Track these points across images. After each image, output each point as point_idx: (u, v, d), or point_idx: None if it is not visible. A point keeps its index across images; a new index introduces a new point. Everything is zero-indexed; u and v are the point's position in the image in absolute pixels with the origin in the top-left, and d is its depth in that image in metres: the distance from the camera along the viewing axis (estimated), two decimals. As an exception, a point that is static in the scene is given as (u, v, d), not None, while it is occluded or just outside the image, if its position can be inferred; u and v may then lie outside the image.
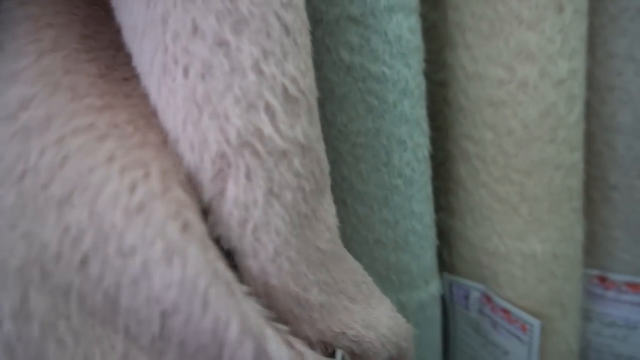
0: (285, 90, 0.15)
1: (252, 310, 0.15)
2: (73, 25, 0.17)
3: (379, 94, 0.25)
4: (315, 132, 0.16)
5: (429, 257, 0.29)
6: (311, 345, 0.17)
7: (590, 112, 0.28)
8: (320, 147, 0.16)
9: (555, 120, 0.26)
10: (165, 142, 0.15)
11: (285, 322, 0.16)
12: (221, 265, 0.14)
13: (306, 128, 0.15)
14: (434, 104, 0.29)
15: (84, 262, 0.14)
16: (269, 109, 0.14)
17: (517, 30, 0.25)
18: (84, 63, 0.17)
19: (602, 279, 0.32)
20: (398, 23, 0.25)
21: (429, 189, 0.28)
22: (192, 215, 0.14)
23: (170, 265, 0.14)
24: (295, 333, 0.16)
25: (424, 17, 0.26)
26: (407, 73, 0.25)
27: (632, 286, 0.30)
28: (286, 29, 0.15)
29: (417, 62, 0.26)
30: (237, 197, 0.14)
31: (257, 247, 0.15)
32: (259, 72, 0.14)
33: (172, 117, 0.15)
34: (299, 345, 0.16)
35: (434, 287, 0.29)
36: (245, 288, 0.15)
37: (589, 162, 0.29)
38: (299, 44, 0.15)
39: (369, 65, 0.25)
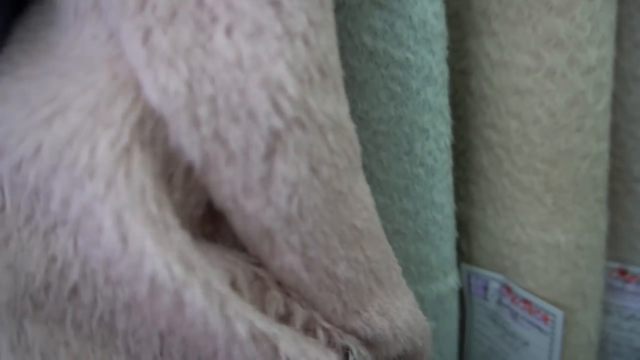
0: (320, 64, 0.14)
1: (259, 320, 0.14)
2: None
3: (402, 81, 0.25)
4: (344, 110, 0.16)
5: (449, 249, 0.29)
6: (328, 333, 0.17)
7: (615, 102, 0.28)
8: (350, 126, 0.16)
9: (583, 109, 0.25)
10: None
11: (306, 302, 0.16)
12: (215, 282, 0.13)
13: (335, 104, 0.15)
14: (455, 93, 0.29)
15: (75, 291, 0.14)
16: (312, 81, 0.13)
17: (546, 16, 0.24)
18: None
19: (622, 272, 0.32)
20: (423, 7, 0.24)
21: (450, 179, 0.28)
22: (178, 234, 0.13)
23: (154, 300, 0.13)
24: (315, 309, 0.16)
25: (446, 5, 0.26)
26: (431, 59, 0.25)
27: (654, 279, 0.30)
28: (322, 2, 0.14)
29: (441, 48, 0.25)
30: (285, 175, 0.13)
31: (300, 222, 0.14)
32: (306, 41, 0.13)
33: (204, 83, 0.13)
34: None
35: (452, 279, 0.29)
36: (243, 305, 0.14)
37: (613, 153, 0.28)
38: (328, 19, 0.15)
39: (393, 50, 0.25)
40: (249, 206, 0.13)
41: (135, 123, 0.12)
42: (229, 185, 0.13)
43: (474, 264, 0.32)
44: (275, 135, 0.13)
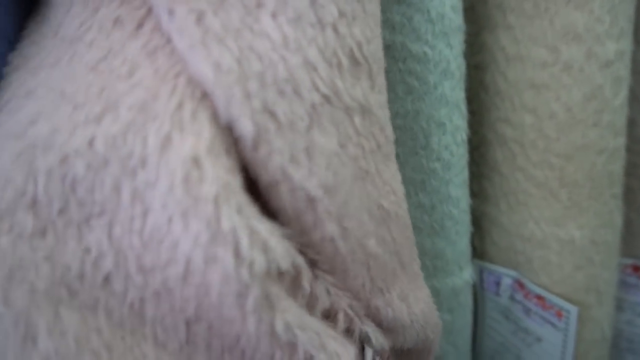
0: (351, 52, 0.15)
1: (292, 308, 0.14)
2: None
3: (420, 75, 0.25)
4: (377, 98, 0.17)
5: (464, 243, 0.28)
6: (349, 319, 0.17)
7: (632, 97, 0.27)
8: (382, 114, 0.17)
9: (601, 103, 0.25)
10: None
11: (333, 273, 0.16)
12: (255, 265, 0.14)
13: (366, 91, 0.16)
14: (469, 88, 0.29)
15: (107, 279, 0.14)
16: (341, 66, 0.15)
17: (563, 9, 0.24)
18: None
19: (636, 268, 0.31)
20: (441, 1, 0.24)
21: (466, 174, 0.27)
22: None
23: (186, 283, 0.14)
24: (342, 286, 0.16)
25: (461, -1, 0.26)
26: (449, 53, 0.25)
27: (668, 275, 0.30)
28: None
29: (458, 42, 0.25)
30: (323, 146, 0.14)
31: (336, 193, 0.15)
32: (335, 30, 0.15)
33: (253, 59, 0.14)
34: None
35: (467, 274, 0.29)
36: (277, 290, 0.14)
37: (630, 149, 0.28)
38: (367, 11, 0.16)
39: (411, 44, 0.25)
40: (296, 176, 0.14)
41: (175, 110, 0.13)
42: (279, 156, 0.14)
43: (486, 259, 0.32)
44: (314, 109, 0.14)
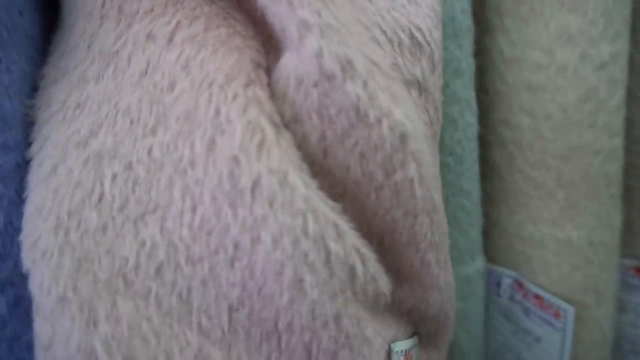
0: (412, 34, 0.18)
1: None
2: None
3: (433, 74, 0.26)
4: (435, 80, 0.19)
5: (476, 234, 0.29)
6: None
7: (631, 98, 0.27)
8: (438, 95, 0.19)
9: (595, 104, 0.25)
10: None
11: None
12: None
13: (425, 72, 0.19)
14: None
15: (159, 270, 0.16)
16: (401, 43, 0.18)
17: (558, 12, 0.25)
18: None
19: (639, 270, 0.31)
20: (452, 4, 0.25)
21: (476, 167, 0.28)
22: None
23: (233, 268, 0.16)
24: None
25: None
26: (460, 54, 0.26)
27: (670, 277, 0.30)
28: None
29: (468, 43, 0.26)
30: (403, 97, 0.16)
31: (414, 136, 0.16)
32: (393, 16, 0.18)
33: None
34: None
35: (479, 263, 0.30)
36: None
37: (629, 149, 0.28)
38: (422, 7, 0.19)
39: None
40: (396, 112, 0.16)
41: (214, 117, 0.15)
42: (381, 93, 0.16)
43: (487, 260, 0.32)
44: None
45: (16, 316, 0.18)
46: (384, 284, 0.17)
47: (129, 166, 0.16)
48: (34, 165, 0.17)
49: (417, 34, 0.18)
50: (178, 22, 0.17)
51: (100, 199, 0.16)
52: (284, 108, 0.16)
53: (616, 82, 0.25)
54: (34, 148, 0.18)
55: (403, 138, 0.16)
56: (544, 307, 0.29)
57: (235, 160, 0.15)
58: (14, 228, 0.17)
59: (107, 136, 0.17)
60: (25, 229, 0.17)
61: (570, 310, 0.27)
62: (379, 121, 0.15)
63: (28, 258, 0.16)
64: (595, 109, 0.25)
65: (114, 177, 0.16)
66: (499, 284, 0.32)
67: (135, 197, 0.16)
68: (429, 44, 0.19)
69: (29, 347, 0.18)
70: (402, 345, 0.19)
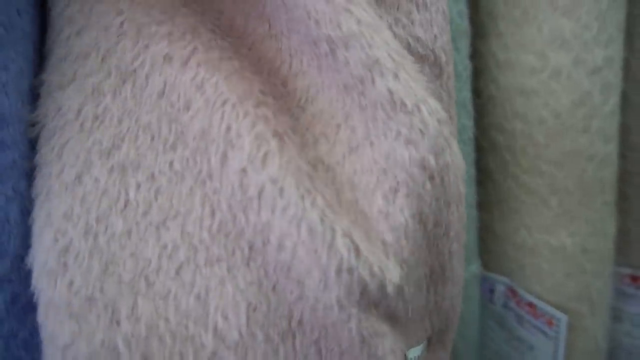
0: (409, 45, 0.19)
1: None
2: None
3: (429, 76, 0.26)
4: (442, 82, 0.20)
5: (471, 238, 0.29)
6: None
7: (626, 103, 0.27)
8: (447, 98, 0.21)
9: (589, 109, 0.25)
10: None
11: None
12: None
13: (428, 77, 0.20)
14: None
15: (178, 272, 0.17)
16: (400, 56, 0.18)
17: (551, 16, 0.24)
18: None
19: (634, 278, 0.31)
20: (449, 7, 0.25)
21: (472, 171, 0.28)
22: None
23: (249, 267, 0.17)
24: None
25: (456, 6, 0.26)
26: (456, 56, 0.26)
27: (666, 286, 0.29)
28: (417, 2, 0.19)
29: (465, 45, 0.26)
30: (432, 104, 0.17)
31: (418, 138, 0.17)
32: (392, 32, 0.19)
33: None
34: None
35: (475, 267, 0.30)
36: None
37: (624, 155, 0.28)
38: (432, 11, 0.20)
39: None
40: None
41: (226, 133, 0.17)
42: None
43: (481, 266, 0.32)
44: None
45: (13, 314, 0.18)
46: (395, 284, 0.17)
47: (151, 177, 0.18)
48: (53, 171, 0.18)
49: (416, 45, 0.19)
50: (194, 48, 0.19)
51: (125, 206, 0.18)
52: None
53: (610, 87, 0.25)
54: (49, 153, 0.18)
55: (441, 122, 0.17)
56: (537, 315, 0.28)
57: (244, 171, 0.17)
58: (10, 225, 0.18)
59: (130, 149, 0.18)
60: (49, 234, 0.18)
61: (563, 318, 0.27)
62: (417, 107, 0.17)
63: (59, 260, 0.17)
64: (589, 114, 0.25)
65: (138, 186, 0.18)
66: (492, 291, 0.32)
67: (158, 204, 0.18)
68: (432, 51, 0.20)
69: (26, 345, 0.18)
70: (416, 351, 0.19)
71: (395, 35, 0.19)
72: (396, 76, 0.16)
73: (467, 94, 0.27)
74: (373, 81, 0.17)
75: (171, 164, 0.18)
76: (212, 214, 0.17)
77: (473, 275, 0.30)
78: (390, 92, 0.16)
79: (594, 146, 0.25)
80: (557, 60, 0.25)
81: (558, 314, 0.27)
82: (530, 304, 0.29)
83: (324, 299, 0.16)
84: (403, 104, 0.16)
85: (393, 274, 0.16)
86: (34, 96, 0.20)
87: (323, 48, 0.17)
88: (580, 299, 0.28)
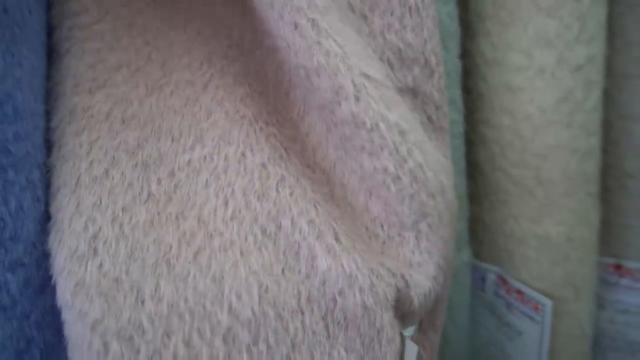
0: (400, 52, 0.21)
1: None
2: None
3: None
4: (434, 83, 0.22)
5: (462, 227, 0.31)
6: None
7: (608, 100, 0.28)
8: (437, 95, 0.22)
9: (572, 105, 0.26)
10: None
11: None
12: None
13: (419, 78, 0.22)
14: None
15: (196, 256, 0.19)
16: (390, 61, 0.21)
17: (535, 17, 0.26)
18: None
19: (617, 267, 0.32)
20: (438, 9, 0.26)
21: (462, 163, 0.29)
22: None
23: (261, 252, 0.19)
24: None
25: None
26: (445, 55, 0.27)
27: (647, 273, 0.31)
28: (410, 7, 0.21)
29: (454, 45, 0.28)
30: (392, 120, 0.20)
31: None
32: (384, 37, 0.21)
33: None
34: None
35: (465, 254, 0.31)
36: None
37: (606, 150, 0.29)
38: (422, 16, 0.21)
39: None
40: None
41: (245, 138, 0.21)
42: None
43: (472, 256, 0.33)
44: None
45: (26, 296, 0.19)
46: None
47: (171, 173, 0.21)
48: (82, 165, 0.20)
49: (407, 50, 0.22)
50: (212, 75, 0.22)
51: (148, 198, 0.20)
52: None
53: (592, 84, 0.26)
54: (77, 148, 0.21)
55: (402, 134, 0.20)
56: (524, 302, 0.30)
57: (264, 166, 0.20)
58: (24, 212, 0.19)
59: (153, 149, 0.21)
60: (80, 221, 0.19)
61: (548, 303, 0.28)
62: (376, 125, 0.19)
63: (90, 245, 0.19)
64: (572, 109, 0.26)
65: (159, 181, 0.20)
66: (483, 280, 0.33)
67: (177, 196, 0.20)
68: (422, 54, 0.22)
69: (38, 326, 0.19)
70: (410, 331, 0.21)
71: (386, 40, 0.21)
72: (357, 99, 0.19)
73: (457, 92, 0.28)
74: (339, 104, 0.19)
75: (189, 162, 0.21)
76: (226, 203, 0.20)
77: (464, 263, 0.31)
78: (353, 114, 0.19)
79: (577, 140, 0.27)
80: (542, 58, 0.26)
81: (543, 299, 0.28)
82: (519, 291, 0.30)
83: (330, 277, 0.19)
84: (363, 123, 0.19)
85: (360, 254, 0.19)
86: (47, 92, 0.21)
87: (301, 74, 0.20)
88: (566, 286, 0.29)
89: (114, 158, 0.20)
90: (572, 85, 0.26)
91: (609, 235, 0.31)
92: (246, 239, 0.19)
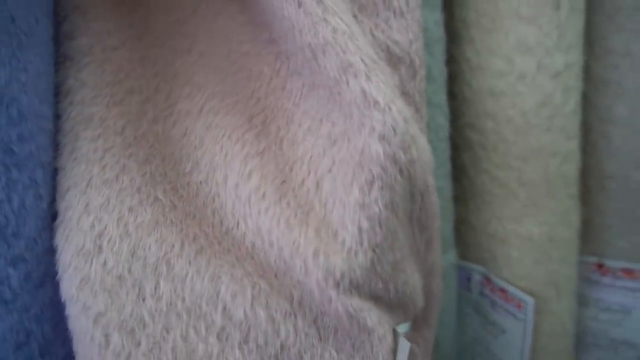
0: (389, 49, 0.22)
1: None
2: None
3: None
4: (416, 84, 0.23)
5: (448, 229, 0.31)
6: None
7: (588, 104, 0.30)
8: (418, 97, 0.23)
9: (552, 110, 0.27)
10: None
11: None
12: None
13: (404, 78, 0.22)
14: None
15: (195, 257, 0.20)
16: (379, 58, 0.20)
17: (516, 25, 0.27)
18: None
19: (599, 266, 0.33)
20: (425, 16, 0.27)
21: (448, 166, 0.30)
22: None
23: (253, 259, 0.21)
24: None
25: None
26: (431, 61, 0.28)
27: (627, 272, 0.32)
28: (394, 10, 0.22)
29: (440, 52, 0.28)
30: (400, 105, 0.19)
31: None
32: (373, 35, 0.22)
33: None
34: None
35: (451, 256, 0.32)
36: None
37: (586, 152, 0.30)
38: (407, 19, 0.22)
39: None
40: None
41: (225, 158, 0.22)
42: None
43: (458, 257, 0.34)
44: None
45: (26, 290, 0.20)
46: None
47: (174, 188, 0.22)
48: (95, 169, 0.21)
49: (395, 48, 0.22)
50: (206, 99, 0.23)
51: (154, 201, 0.21)
52: None
53: (571, 89, 0.27)
54: (91, 153, 0.22)
55: (407, 121, 0.18)
56: (508, 300, 0.31)
57: (237, 185, 0.22)
58: (26, 210, 0.20)
59: (158, 168, 0.22)
60: (87, 220, 0.21)
61: (530, 301, 0.29)
62: (389, 106, 0.18)
63: (96, 243, 0.20)
64: (551, 113, 0.27)
65: (165, 191, 0.22)
66: (469, 280, 0.34)
67: (180, 206, 0.22)
68: (408, 54, 0.22)
69: (37, 319, 0.20)
70: (403, 328, 0.22)
71: (375, 38, 0.22)
72: (368, 78, 0.18)
73: (442, 96, 0.29)
74: (347, 82, 0.18)
75: (188, 184, 0.22)
76: (221, 222, 0.21)
77: (450, 264, 0.32)
78: (364, 91, 0.18)
79: (556, 143, 0.28)
80: (523, 64, 0.27)
81: (526, 297, 0.29)
82: (502, 290, 0.31)
83: (307, 282, 0.19)
84: (376, 102, 0.18)
85: (360, 260, 0.18)
86: (55, 94, 0.22)
87: (307, 54, 0.19)
88: (548, 285, 0.30)
89: (125, 166, 0.22)
90: (552, 90, 0.27)
91: (590, 234, 0.32)
92: (240, 248, 0.21)
